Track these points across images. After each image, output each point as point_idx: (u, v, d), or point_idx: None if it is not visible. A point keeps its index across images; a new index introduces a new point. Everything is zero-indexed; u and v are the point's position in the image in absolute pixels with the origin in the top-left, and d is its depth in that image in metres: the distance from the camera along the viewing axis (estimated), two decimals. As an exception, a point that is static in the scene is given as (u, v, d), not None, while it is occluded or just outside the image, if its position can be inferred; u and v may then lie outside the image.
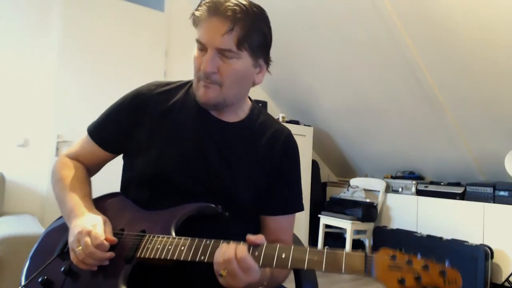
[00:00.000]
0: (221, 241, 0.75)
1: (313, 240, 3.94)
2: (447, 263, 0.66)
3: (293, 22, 3.19)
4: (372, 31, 2.86)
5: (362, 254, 0.68)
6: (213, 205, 0.84)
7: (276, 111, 4.36)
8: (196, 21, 0.87)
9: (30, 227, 2.13)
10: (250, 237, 0.73)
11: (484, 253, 2.84)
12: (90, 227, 0.81)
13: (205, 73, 0.85)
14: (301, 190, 1.01)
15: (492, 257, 2.91)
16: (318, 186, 4.35)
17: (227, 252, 0.71)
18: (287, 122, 3.96)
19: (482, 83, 2.67)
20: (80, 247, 0.78)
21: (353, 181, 4.13)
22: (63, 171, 0.98)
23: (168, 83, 1.02)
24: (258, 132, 0.98)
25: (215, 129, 0.94)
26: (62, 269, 0.82)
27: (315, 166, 4.29)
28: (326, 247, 0.71)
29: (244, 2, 0.85)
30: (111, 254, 0.80)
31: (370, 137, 3.94)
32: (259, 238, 0.73)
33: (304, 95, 4.05)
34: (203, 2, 0.87)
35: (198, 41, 0.87)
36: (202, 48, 0.86)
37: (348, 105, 3.75)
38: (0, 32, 2.79)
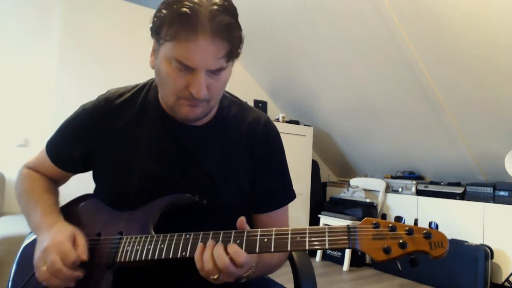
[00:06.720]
0: (201, 233, 0.73)
1: (313, 240, 3.93)
2: (432, 225, 0.62)
3: (293, 22, 3.19)
4: (372, 31, 2.85)
5: (345, 227, 0.65)
6: (188, 195, 0.81)
7: (276, 111, 4.36)
8: (168, 36, 0.72)
9: (30, 227, 2.12)
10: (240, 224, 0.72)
11: (484, 253, 2.84)
12: (58, 242, 0.76)
13: (198, 99, 0.76)
14: (290, 178, 0.95)
15: (492, 257, 2.91)
16: (318, 186, 4.35)
17: (221, 260, 0.66)
18: (287, 122, 3.96)
19: (482, 83, 2.67)
20: (44, 267, 0.74)
21: (353, 181, 4.12)
22: (25, 183, 0.95)
23: (120, 94, 0.91)
24: (233, 126, 0.90)
25: (184, 137, 0.87)
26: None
27: (315, 166, 4.29)
28: (308, 227, 0.68)
29: (221, 2, 0.73)
30: (79, 274, 0.75)
31: (370, 137, 3.93)
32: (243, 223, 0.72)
33: (304, 95, 4.05)
34: (169, 11, 0.71)
35: (181, 62, 0.73)
36: (186, 69, 0.74)
37: (348, 105, 3.75)
38: (0, 33, 2.79)
